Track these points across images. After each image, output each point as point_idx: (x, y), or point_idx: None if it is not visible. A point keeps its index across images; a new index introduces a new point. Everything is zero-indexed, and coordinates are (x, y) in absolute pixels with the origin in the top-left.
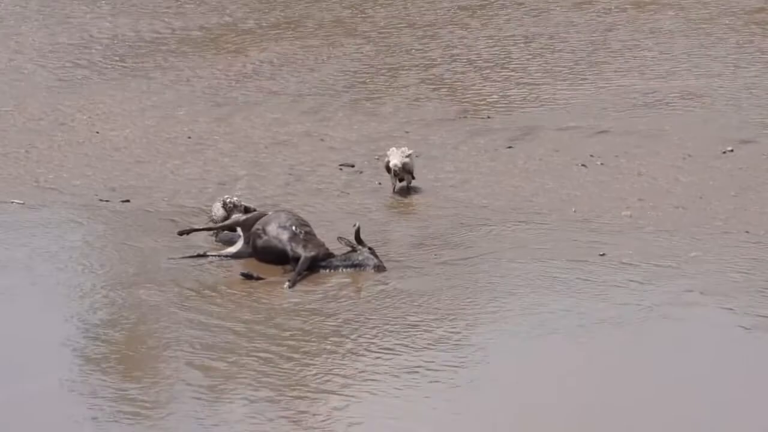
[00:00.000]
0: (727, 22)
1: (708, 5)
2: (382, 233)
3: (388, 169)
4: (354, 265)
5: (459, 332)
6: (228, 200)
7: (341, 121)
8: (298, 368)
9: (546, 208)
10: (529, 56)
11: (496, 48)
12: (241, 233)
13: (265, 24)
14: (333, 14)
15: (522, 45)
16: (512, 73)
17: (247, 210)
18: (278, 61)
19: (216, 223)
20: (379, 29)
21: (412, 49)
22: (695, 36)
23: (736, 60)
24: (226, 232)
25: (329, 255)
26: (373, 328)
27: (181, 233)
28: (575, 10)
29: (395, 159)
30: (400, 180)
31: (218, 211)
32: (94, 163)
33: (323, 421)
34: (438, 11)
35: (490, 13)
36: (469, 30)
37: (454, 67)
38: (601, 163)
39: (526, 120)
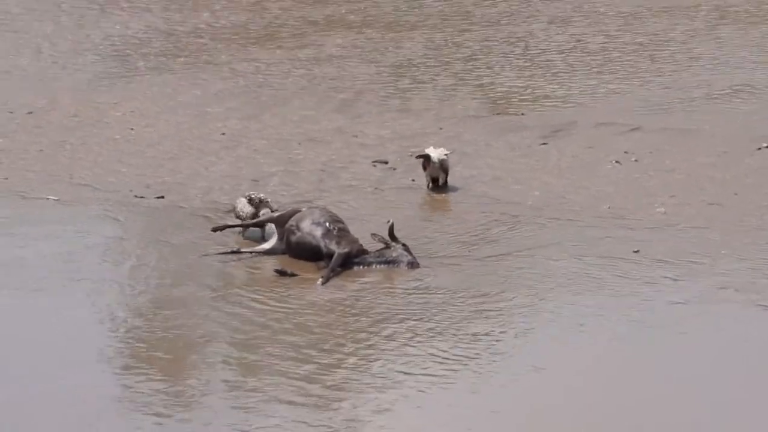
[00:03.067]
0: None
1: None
2: (416, 230)
3: (424, 166)
4: (388, 262)
5: (494, 329)
6: (254, 196)
7: (374, 117)
8: (332, 364)
9: (579, 205)
10: (564, 53)
11: (532, 45)
12: (273, 230)
13: (298, 22)
14: (364, 11)
15: (557, 42)
16: (546, 70)
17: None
18: (311, 58)
19: (243, 219)
20: (412, 26)
21: (445, 46)
22: (731, 35)
23: None
24: (252, 229)
25: (363, 251)
26: (408, 324)
27: (214, 230)
28: (611, 9)
29: (435, 153)
30: (434, 180)
31: (245, 207)
32: (128, 160)
33: (359, 417)
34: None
35: (527, 11)
36: (505, 27)
37: (488, 64)
38: (635, 160)
39: (559, 117)
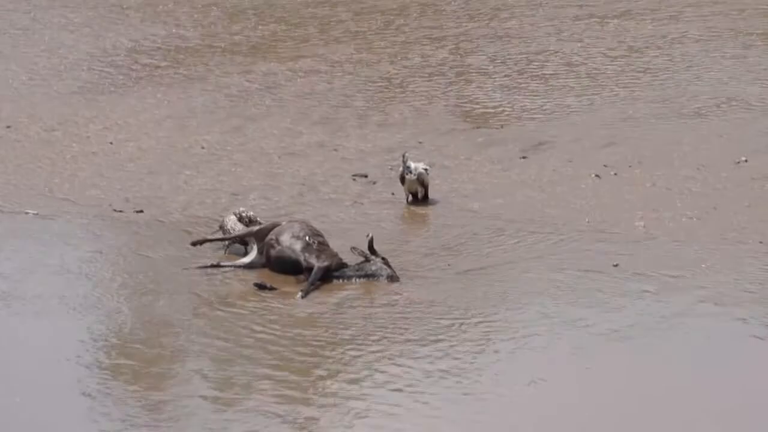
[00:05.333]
0: (750, 31)
1: (728, 15)
2: (396, 243)
3: (402, 179)
4: (367, 276)
5: (472, 342)
6: (244, 214)
7: (354, 131)
8: (311, 378)
9: (559, 219)
10: (544, 66)
11: (511, 58)
12: (252, 244)
13: (278, 36)
14: (344, 24)
15: (536, 55)
16: (526, 83)
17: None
18: (291, 72)
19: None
20: (391, 41)
21: (424, 59)
22: (715, 47)
23: (753, 71)
24: (236, 244)
25: (342, 265)
26: (387, 337)
27: (194, 244)
28: (592, 21)
29: (413, 166)
30: (413, 194)
31: (236, 225)
32: (107, 174)
33: (339, 430)
34: (456, 22)
35: (507, 25)
36: (484, 40)
37: (468, 77)
38: (615, 174)
39: (539, 130)
